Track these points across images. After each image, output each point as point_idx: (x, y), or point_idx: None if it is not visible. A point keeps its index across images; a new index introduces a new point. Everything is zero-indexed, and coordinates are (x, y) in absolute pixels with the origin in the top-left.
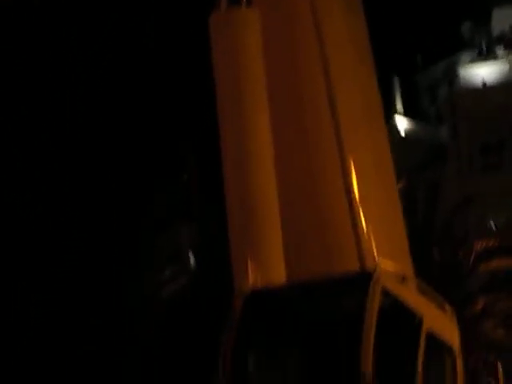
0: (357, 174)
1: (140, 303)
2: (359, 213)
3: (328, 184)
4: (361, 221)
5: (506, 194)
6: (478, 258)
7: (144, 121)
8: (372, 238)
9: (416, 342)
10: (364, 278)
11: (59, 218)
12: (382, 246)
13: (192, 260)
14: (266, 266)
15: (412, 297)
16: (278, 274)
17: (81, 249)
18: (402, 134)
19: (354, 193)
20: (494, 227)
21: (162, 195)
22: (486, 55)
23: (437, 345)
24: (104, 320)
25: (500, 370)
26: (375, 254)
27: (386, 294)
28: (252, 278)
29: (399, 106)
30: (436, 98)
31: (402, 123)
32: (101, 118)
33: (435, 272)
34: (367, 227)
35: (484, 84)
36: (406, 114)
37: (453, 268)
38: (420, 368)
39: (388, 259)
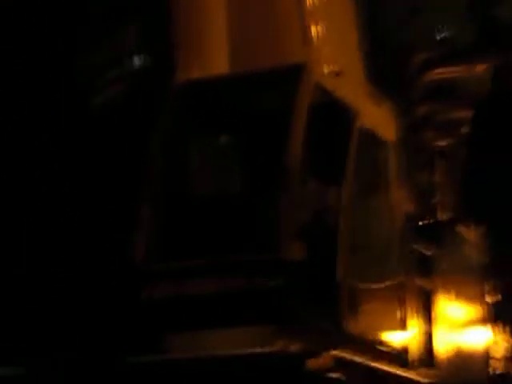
0: None
1: (74, 107)
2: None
3: None
4: (309, 19)
5: (454, 7)
6: (423, 66)
7: None
8: (319, 36)
9: (348, 135)
10: (297, 69)
11: None
12: (330, 45)
13: (136, 63)
14: (209, 57)
15: (348, 92)
16: (221, 67)
17: None
18: None
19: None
20: (439, 38)
21: None
22: None
23: (372, 140)
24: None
25: None
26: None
27: (318, 86)
28: (193, 70)
29: None
30: None
31: None
32: None
33: (379, 78)
34: (315, 23)
35: None
36: None
37: (396, 76)
38: (351, 163)
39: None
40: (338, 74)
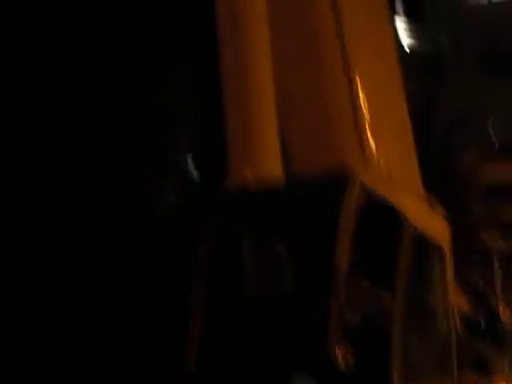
0: (361, 77)
1: (136, 219)
2: (364, 116)
3: (333, 85)
4: (365, 125)
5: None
6: (475, 165)
7: None
8: (374, 140)
9: (399, 239)
10: (345, 173)
11: None
12: (387, 153)
13: (191, 170)
14: (262, 164)
15: (397, 195)
16: (273, 167)
17: None
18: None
19: (359, 98)
20: (495, 142)
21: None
22: None
23: (424, 244)
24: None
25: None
26: (375, 152)
27: (365, 190)
28: (245, 171)
29: (399, 6)
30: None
31: (401, 25)
32: None
33: (433, 185)
34: (371, 130)
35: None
36: (405, 15)
37: (450, 180)
38: (404, 268)
39: (390, 165)
40: (389, 178)
